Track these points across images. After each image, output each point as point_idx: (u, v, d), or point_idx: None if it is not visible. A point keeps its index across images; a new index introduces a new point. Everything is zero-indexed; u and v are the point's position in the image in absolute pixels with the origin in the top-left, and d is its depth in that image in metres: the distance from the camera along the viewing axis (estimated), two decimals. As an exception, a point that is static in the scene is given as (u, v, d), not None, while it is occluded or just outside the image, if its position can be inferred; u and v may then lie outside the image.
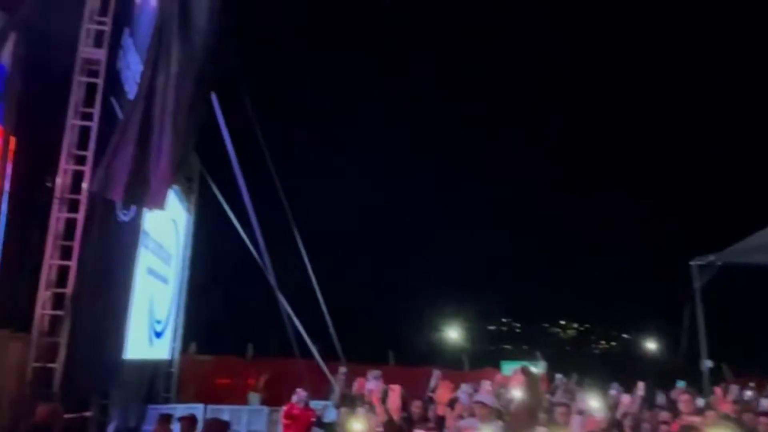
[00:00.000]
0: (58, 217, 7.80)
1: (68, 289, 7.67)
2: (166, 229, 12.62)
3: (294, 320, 12.45)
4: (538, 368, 11.40)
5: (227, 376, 15.15)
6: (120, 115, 8.56)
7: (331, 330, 13.01)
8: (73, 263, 7.75)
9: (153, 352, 12.44)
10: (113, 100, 8.64)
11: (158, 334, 12.68)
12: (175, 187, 11.83)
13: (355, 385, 9.04)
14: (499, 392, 8.79)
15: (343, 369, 9.99)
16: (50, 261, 7.69)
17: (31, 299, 7.58)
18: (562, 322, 45.91)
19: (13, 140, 7.94)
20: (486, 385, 9.03)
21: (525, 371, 6.15)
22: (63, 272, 7.75)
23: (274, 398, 13.46)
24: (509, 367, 13.25)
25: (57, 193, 7.83)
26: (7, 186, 7.86)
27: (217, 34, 8.94)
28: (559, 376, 11.19)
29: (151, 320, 12.06)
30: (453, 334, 28.49)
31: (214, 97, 12.25)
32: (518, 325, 43.26)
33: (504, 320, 43.00)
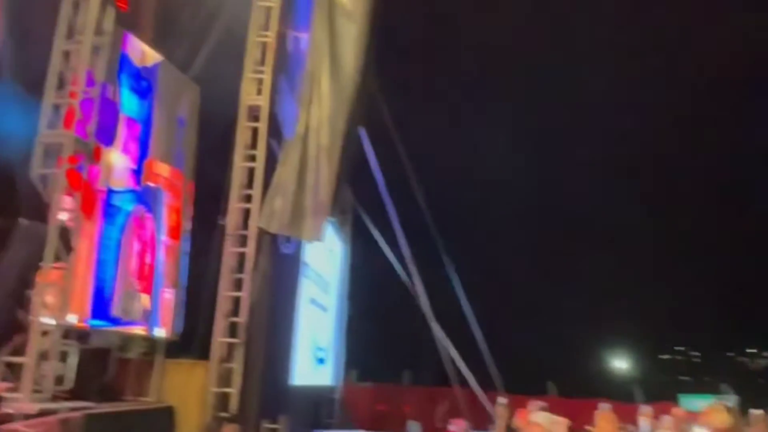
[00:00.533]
0: (230, 252, 8.49)
1: (241, 318, 8.27)
2: (324, 260, 13.20)
3: (449, 348, 12.29)
4: (727, 403, 10.03)
5: (385, 403, 15.31)
6: (279, 154, 9.17)
7: (488, 358, 12.63)
8: (244, 294, 8.37)
9: (317, 379, 12.94)
10: (273, 142, 9.28)
11: (321, 361, 13.19)
12: (331, 219, 12.38)
13: (516, 417, 8.62)
14: (682, 428, 7.90)
15: (503, 399, 9.60)
16: (225, 292, 8.36)
17: (208, 328, 8.27)
18: (751, 350, 40.53)
19: (191, 185, 8.87)
20: (666, 420, 8.15)
21: (726, 408, 5.40)
22: (236, 302, 8.38)
23: (429, 427, 13.31)
24: (689, 401, 11.90)
25: (228, 230, 8.54)
26: (188, 226, 8.78)
27: (362, 71, 9.32)
28: (757, 412, 9.73)
29: (314, 347, 12.59)
30: (621, 363, 26.28)
31: (362, 131, 12.74)
32: (697, 354, 38.93)
33: (679, 348, 38.96)
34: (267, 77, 8.97)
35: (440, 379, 12.96)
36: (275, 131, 9.34)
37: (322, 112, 9.04)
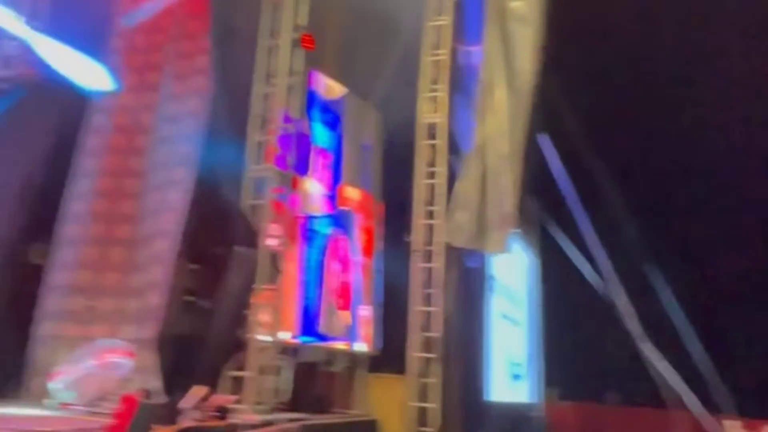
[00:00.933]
0: (418, 268, 8.64)
1: (435, 333, 8.34)
2: (512, 273, 12.87)
3: (660, 365, 11.11)
4: None
5: (592, 424, 14.30)
6: (458, 169, 9.16)
7: (709, 373, 11.17)
8: (435, 309, 8.44)
9: (514, 396, 12.56)
10: (452, 158, 9.33)
11: (517, 377, 12.80)
12: (517, 230, 12.06)
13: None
14: None
15: (733, 423, 8.40)
16: (416, 308, 8.51)
17: (404, 343, 8.46)
18: None
19: (381, 206, 9.27)
20: None
21: None
22: (428, 317, 8.49)
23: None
24: None
25: (415, 246, 8.71)
26: (380, 246, 9.16)
27: (540, 74, 9.00)
28: None
29: (508, 363, 12.26)
30: None
31: (545, 138, 12.27)
32: None
33: None
34: (442, 94, 9.08)
35: (652, 399, 11.75)
36: (453, 147, 9.38)
37: (499, 121, 8.88)
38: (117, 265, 7.80)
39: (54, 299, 7.67)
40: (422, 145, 9.05)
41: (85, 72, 8.06)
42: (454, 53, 9.42)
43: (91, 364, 6.70)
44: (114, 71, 8.12)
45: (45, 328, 7.53)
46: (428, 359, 8.34)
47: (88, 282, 7.76)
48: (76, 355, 6.83)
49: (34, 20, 8.20)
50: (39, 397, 6.84)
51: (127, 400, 5.08)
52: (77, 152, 8.16)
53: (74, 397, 6.60)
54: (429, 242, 8.76)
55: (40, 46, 8.02)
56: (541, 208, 13.82)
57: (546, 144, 11.98)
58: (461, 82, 10.02)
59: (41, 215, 7.97)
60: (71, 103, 8.20)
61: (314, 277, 7.82)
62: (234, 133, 7.59)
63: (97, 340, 7.05)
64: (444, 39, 9.18)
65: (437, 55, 9.18)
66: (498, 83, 8.91)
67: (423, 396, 8.23)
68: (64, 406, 6.54)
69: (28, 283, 7.84)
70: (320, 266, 7.94)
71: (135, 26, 8.25)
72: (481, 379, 10.16)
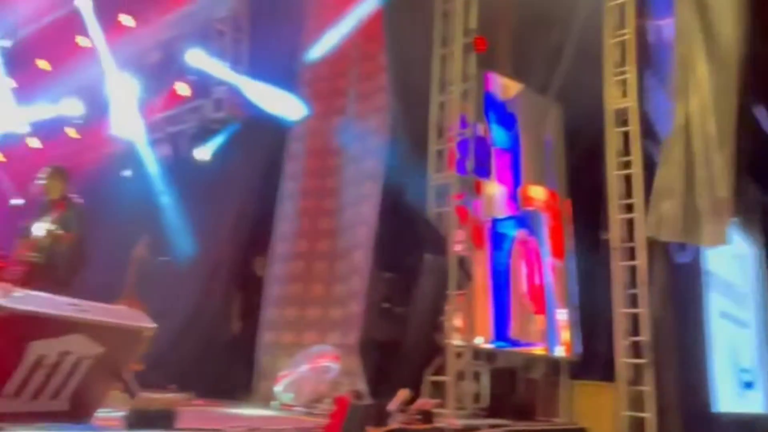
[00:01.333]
0: (618, 267, 8.02)
1: (644, 337, 7.67)
2: (733, 267, 11.39)
3: None
4: None
5: None
6: (656, 156, 8.38)
7: None
8: (642, 310, 7.75)
9: (746, 405, 11.05)
10: (648, 143, 8.56)
11: (748, 385, 11.24)
12: (735, 219, 10.64)
13: None
14: None
15: None
16: (620, 309, 7.90)
17: (608, 348, 7.90)
18: None
19: (568, 203, 8.84)
20: None
21: None
22: (635, 320, 7.83)
23: None
24: None
25: (613, 243, 8.11)
26: (571, 245, 8.73)
27: (750, 41, 7.89)
28: None
29: (736, 369, 10.83)
30: None
31: (762, 110, 10.73)
32: None
33: None
34: (631, 76, 8.38)
35: None
36: (648, 132, 8.60)
37: (702, 98, 7.93)
38: (321, 277, 8.53)
39: (272, 309, 8.63)
40: (612, 133, 8.42)
41: (282, 104, 9.05)
42: (640, 30, 8.66)
43: (306, 368, 7.38)
44: (305, 100, 8.97)
45: (267, 335, 8.50)
46: (639, 365, 7.67)
47: (298, 293, 8.61)
48: (294, 360, 7.59)
49: (236, 65, 9.52)
50: (266, 399, 7.70)
51: (340, 401, 5.42)
52: (282, 177, 9.17)
53: (293, 398, 7.32)
54: (629, 238, 8.08)
55: (244, 87, 9.25)
56: (763, 191, 12.04)
57: (765, 118, 10.46)
58: (652, 61, 9.17)
59: (261, 233, 9.14)
60: (274, 133, 9.28)
61: (503, 281, 7.70)
62: (415, 144, 7.85)
63: (309, 346, 7.76)
64: (628, 17, 8.49)
65: (622, 35, 8.50)
66: (698, 56, 7.97)
67: (636, 405, 7.59)
68: (286, 407, 7.27)
69: (254, 294, 8.99)
70: (508, 269, 7.79)
71: (320, 57, 9.00)
72: (706, 387, 9.09)
